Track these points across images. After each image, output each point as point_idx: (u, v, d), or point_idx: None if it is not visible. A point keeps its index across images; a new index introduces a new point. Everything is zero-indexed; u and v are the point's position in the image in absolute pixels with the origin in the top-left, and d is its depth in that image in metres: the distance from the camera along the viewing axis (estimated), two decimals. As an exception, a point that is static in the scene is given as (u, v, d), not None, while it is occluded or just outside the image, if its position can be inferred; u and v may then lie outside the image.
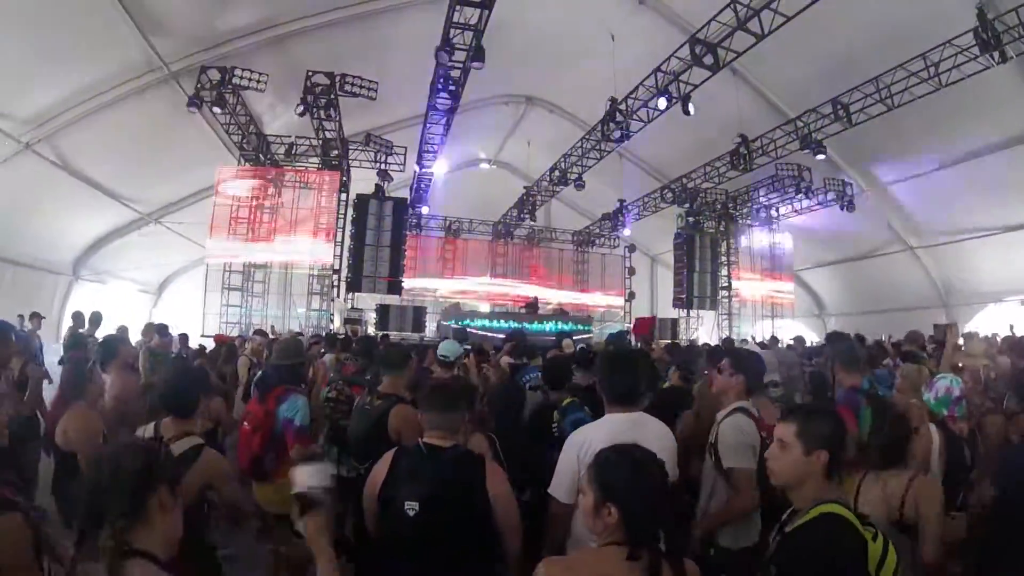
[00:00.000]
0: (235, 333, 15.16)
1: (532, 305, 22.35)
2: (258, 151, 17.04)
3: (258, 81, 14.26)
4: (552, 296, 25.76)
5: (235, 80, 14.11)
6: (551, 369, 5.02)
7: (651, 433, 2.95)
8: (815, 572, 2.05)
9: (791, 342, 13.43)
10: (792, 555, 2.14)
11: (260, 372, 6.41)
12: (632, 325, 22.35)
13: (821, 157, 16.38)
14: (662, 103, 14.02)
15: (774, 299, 23.81)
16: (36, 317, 10.09)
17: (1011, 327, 12.17)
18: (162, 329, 9.37)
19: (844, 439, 2.33)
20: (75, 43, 11.61)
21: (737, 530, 3.49)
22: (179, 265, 20.60)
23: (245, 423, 4.54)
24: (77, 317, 10.05)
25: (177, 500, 1.86)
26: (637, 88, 14.68)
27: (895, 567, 2.09)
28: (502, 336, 12.59)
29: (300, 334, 10.78)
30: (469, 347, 8.18)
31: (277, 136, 17.60)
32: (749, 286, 23.50)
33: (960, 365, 5.63)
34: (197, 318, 15.84)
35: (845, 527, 2.08)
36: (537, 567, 2.10)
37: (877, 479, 3.13)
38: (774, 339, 13.53)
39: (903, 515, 2.98)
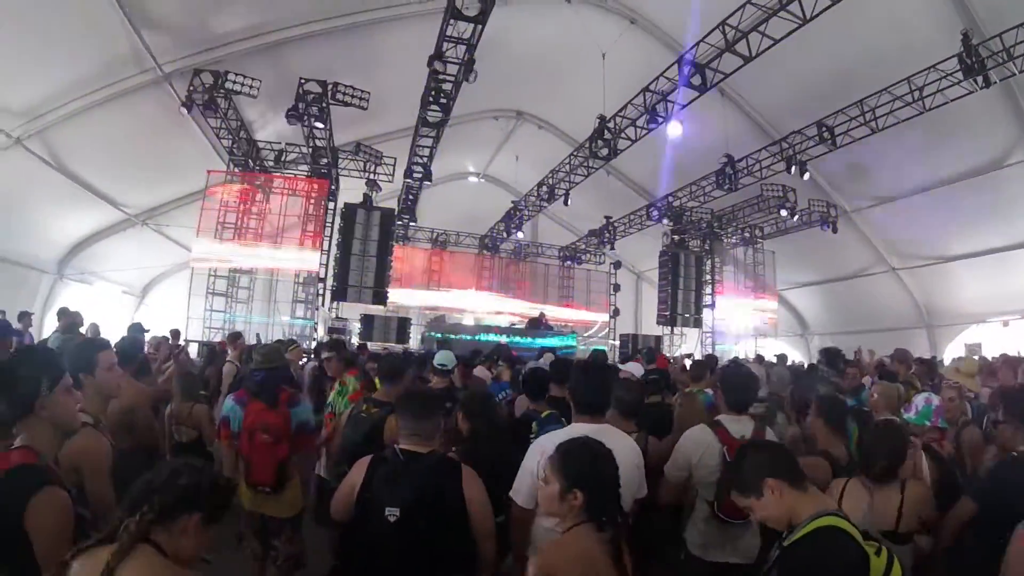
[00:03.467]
0: (219, 339, 15.12)
1: (536, 320, 22.42)
2: (248, 156, 17.00)
3: (251, 86, 14.24)
4: (537, 311, 25.84)
5: (228, 84, 14.07)
6: (530, 381, 5.09)
7: (616, 443, 3.00)
8: None
9: (774, 360, 13.55)
10: (790, 568, 2.18)
11: (241, 376, 6.39)
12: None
13: (806, 178, 16.54)
14: (649, 122, 14.18)
15: (758, 318, 23.96)
16: (26, 316, 10.03)
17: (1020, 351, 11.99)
18: (136, 327, 9.31)
19: (783, 459, 2.40)
20: (69, 38, 11.61)
21: (705, 541, 3.58)
22: (164, 268, 20.48)
23: (264, 434, 4.40)
24: (64, 314, 9.85)
25: (205, 534, 1.91)
26: (626, 106, 14.82)
27: None
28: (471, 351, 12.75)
29: (280, 341, 10.76)
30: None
31: (267, 142, 17.57)
32: (733, 304, 23.68)
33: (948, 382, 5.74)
34: (181, 322, 15.75)
35: (844, 539, 2.10)
36: (529, 559, 2.31)
37: (863, 488, 3.19)
38: (783, 356, 13.64)
39: (899, 524, 3.07)
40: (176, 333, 11.96)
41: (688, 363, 11.21)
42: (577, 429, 3.09)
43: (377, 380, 5.44)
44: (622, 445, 3.12)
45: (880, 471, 3.17)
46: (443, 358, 5.85)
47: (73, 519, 2.20)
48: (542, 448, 2.99)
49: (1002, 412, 3.83)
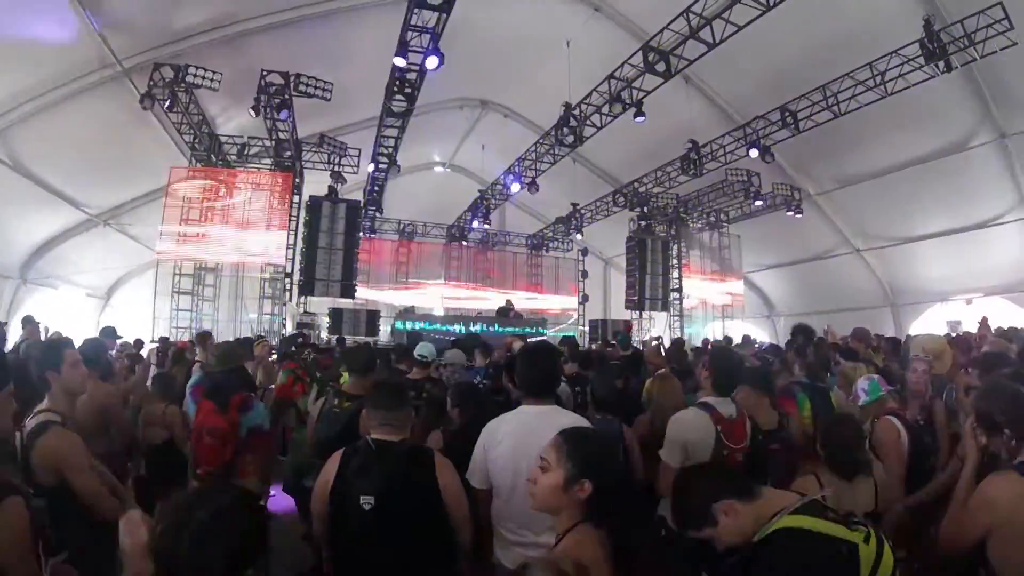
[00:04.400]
0: (186, 338, 14.93)
1: (504, 310, 22.42)
2: (210, 151, 16.74)
3: (212, 80, 14.04)
4: (506, 299, 25.84)
5: (189, 78, 13.88)
6: (512, 367, 5.14)
7: (558, 425, 3.03)
8: None
9: (738, 341, 13.71)
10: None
11: (198, 376, 6.34)
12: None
13: (770, 162, 16.71)
14: (616, 109, 14.24)
15: (724, 300, 24.29)
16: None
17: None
18: (109, 331, 9.19)
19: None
20: (25, 36, 11.34)
21: None
22: (128, 268, 20.15)
23: (209, 437, 4.46)
24: (29, 323, 9.63)
25: None
26: (591, 94, 14.85)
27: (893, 567, 1.97)
28: (452, 339, 12.75)
29: (247, 338, 10.73)
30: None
31: (230, 136, 17.34)
32: (700, 288, 23.95)
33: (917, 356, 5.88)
34: (147, 322, 15.52)
35: (810, 542, 1.93)
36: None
37: (812, 483, 3.13)
38: (747, 337, 13.84)
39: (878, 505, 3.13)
40: (140, 343, 11.77)
41: (656, 345, 11.27)
42: (523, 411, 3.14)
43: (346, 374, 5.43)
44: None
45: (845, 467, 3.22)
46: (424, 349, 5.88)
47: (27, 524, 2.15)
48: (491, 430, 3.08)
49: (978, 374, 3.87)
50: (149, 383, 6.56)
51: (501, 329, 19.82)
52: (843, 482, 3.15)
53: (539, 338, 14.51)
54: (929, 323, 18.23)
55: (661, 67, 12.58)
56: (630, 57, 13.46)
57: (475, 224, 24.20)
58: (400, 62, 11.76)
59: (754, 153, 16.12)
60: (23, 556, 2.07)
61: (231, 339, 11.72)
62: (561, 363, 5.23)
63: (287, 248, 17.25)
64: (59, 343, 3.65)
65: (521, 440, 2.90)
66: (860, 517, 2.09)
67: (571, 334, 19.07)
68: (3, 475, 2.22)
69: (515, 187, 19.40)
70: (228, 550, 1.60)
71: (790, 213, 19.71)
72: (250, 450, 4.57)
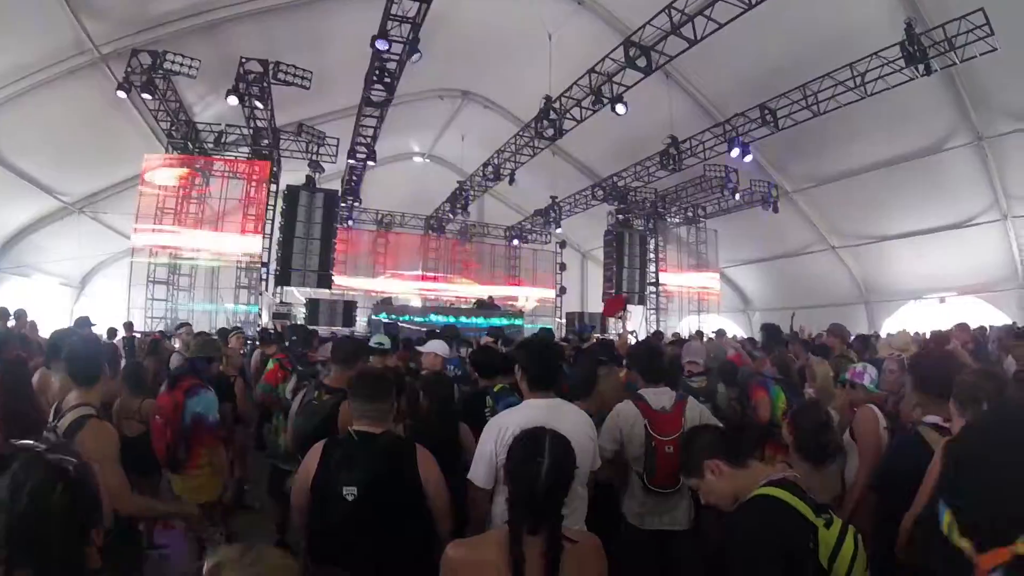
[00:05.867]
0: (160, 328, 14.77)
1: (484, 302, 22.45)
2: (187, 139, 16.55)
3: (190, 67, 13.87)
4: (484, 291, 25.85)
5: (166, 65, 13.71)
6: (481, 359, 5.15)
7: (567, 418, 3.04)
8: (749, 554, 2.02)
9: (712, 335, 13.82)
10: (728, 535, 2.18)
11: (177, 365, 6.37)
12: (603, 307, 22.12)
13: (748, 159, 16.82)
14: (594, 103, 14.28)
15: (701, 294, 24.52)
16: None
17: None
18: (83, 321, 9.10)
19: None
20: (2, 22, 11.14)
21: (643, 510, 3.78)
22: (103, 257, 19.87)
23: (157, 416, 4.55)
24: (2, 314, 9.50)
25: None
26: (571, 87, 14.86)
27: (852, 558, 2.00)
28: (425, 330, 12.79)
29: (224, 329, 10.73)
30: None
31: (207, 124, 17.13)
32: (676, 281, 24.19)
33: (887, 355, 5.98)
34: (122, 312, 15.33)
35: (779, 506, 2.05)
36: (446, 549, 2.24)
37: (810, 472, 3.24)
38: (721, 331, 14.04)
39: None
40: (113, 332, 11.64)
41: (630, 339, 11.35)
42: (531, 405, 3.13)
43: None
44: (575, 420, 3.16)
45: (811, 451, 3.30)
46: (379, 338, 6.10)
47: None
48: (499, 426, 3.01)
49: (910, 383, 3.93)
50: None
51: (479, 320, 19.87)
52: (810, 466, 3.24)
53: (540, 328, 14.54)
54: (903, 320, 18.41)
55: (642, 62, 12.63)
56: (611, 52, 13.50)
57: (453, 216, 24.23)
58: (383, 45, 11.69)
59: (735, 153, 16.18)
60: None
61: (207, 330, 11.66)
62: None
63: (264, 237, 17.09)
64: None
65: None
66: (828, 503, 2.22)
67: (548, 326, 19.15)
68: None
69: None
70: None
71: (767, 209, 19.84)
72: (194, 439, 4.52)
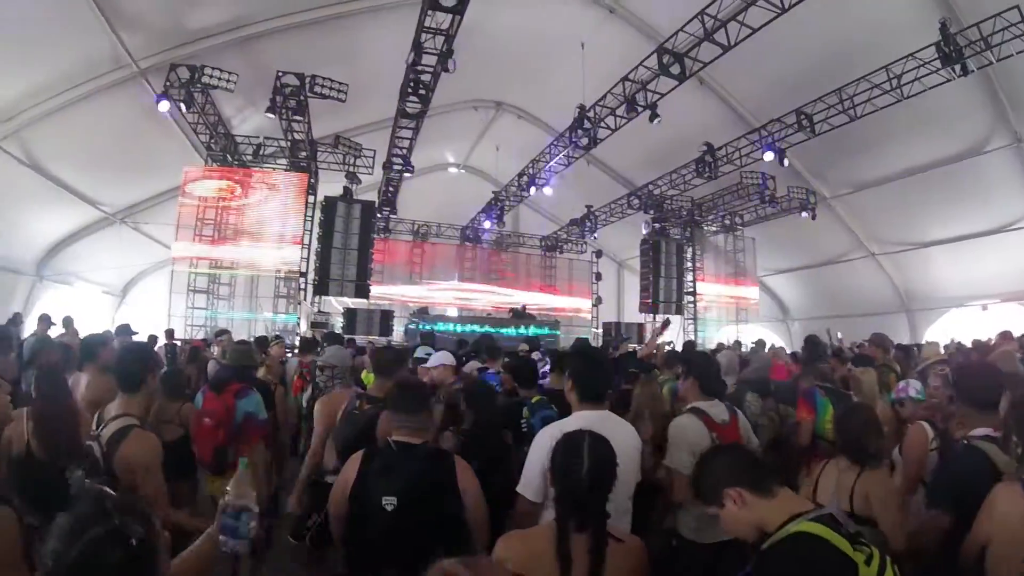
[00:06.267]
0: (200, 336, 15.02)
1: (519, 312, 22.46)
2: (226, 152, 16.86)
3: (228, 80, 14.09)
4: (520, 299, 25.87)
5: (204, 79, 13.92)
6: (518, 368, 5.12)
7: (617, 431, 3.03)
8: None
9: (752, 345, 13.66)
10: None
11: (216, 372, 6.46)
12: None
13: (785, 165, 16.61)
14: (628, 112, 14.23)
15: (738, 304, 24.20)
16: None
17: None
18: (124, 329, 9.30)
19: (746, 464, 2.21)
20: (43, 36, 11.40)
21: (700, 523, 3.61)
22: (144, 266, 20.29)
23: (206, 419, 4.62)
24: (43, 320, 9.80)
25: None
26: (605, 96, 14.84)
27: None
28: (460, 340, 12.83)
29: (264, 337, 10.92)
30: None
31: (245, 137, 17.44)
32: (714, 291, 23.87)
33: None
34: (162, 321, 15.62)
35: (823, 548, 1.84)
36: (498, 541, 2.31)
37: (835, 469, 3.25)
38: (761, 342, 13.85)
39: (853, 508, 3.03)
40: (154, 339, 11.88)
41: (666, 350, 11.24)
42: (582, 416, 3.09)
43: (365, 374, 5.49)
44: (623, 432, 3.15)
45: (855, 455, 3.21)
46: (424, 350, 6.10)
47: (16, 536, 2.03)
48: (551, 437, 2.86)
49: (954, 392, 3.85)
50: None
51: (515, 330, 19.87)
52: (855, 470, 3.17)
53: (575, 339, 14.51)
54: (945, 329, 17.94)
55: (676, 69, 12.55)
56: (645, 59, 13.45)
57: (487, 225, 24.26)
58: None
59: (769, 156, 15.99)
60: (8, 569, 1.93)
61: (246, 338, 11.82)
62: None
63: (302, 247, 17.33)
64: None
65: None
66: (867, 534, 2.06)
67: (584, 336, 19.11)
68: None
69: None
70: None
71: (805, 216, 19.55)
72: (245, 436, 4.63)
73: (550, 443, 2.84)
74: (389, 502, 2.80)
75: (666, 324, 9.46)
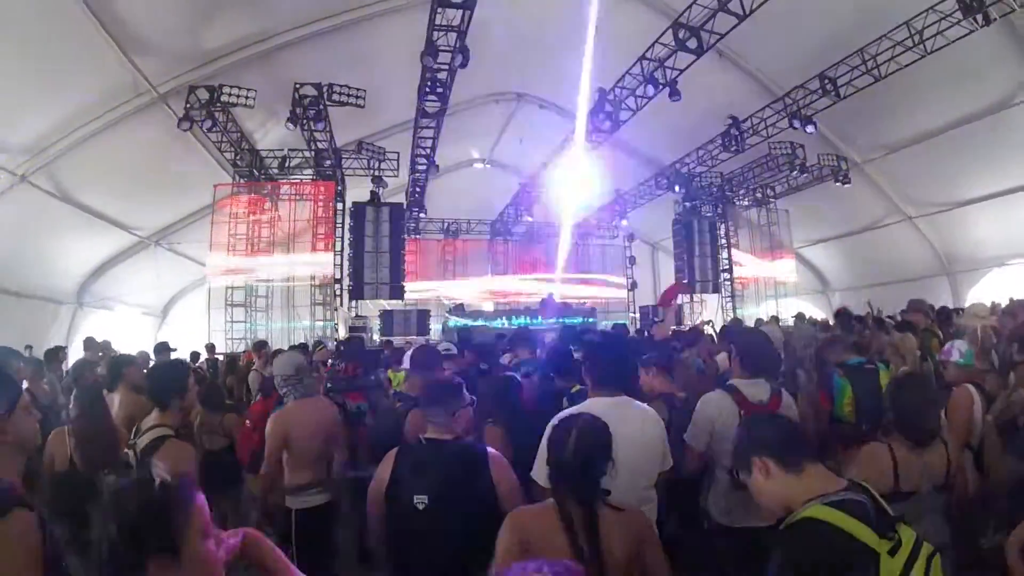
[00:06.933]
0: (241, 349, 15.25)
1: (546, 301, 22.42)
2: (252, 166, 17.08)
3: (246, 97, 14.23)
4: (552, 289, 25.81)
5: (224, 98, 14.08)
6: (555, 357, 5.08)
7: (634, 416, 3.02)
8: None
9: (790, 320, 13.46)
10: (772, 563, 1.90)
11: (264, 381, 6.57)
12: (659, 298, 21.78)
13: (811, 131, 16.26)
14: (648, 90, 14.08)
15: (776, 278, 23.83)
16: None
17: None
18: (161, 347, 9.50)
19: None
20: (60, 71, 11.56)
21: (729, 504, 3.55)
22: (182, 286, 20.64)
23: (247, 422, 4.90)
24: (90, 345, 10.00)
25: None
26: (624, 77, 14.69)
27: None
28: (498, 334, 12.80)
29: (304, 345, 11.10)
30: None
31: (270, 150, 17.64)
32: (750, 266, 23.58)
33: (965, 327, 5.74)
34: (203, 337, 15.88)
35: (831, 536, 1.77)
36: (509, 513, 2.43)
37: (888, 453, 2.94)
38: (801, 315, 13.70)
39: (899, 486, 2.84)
40: (196, 356, 12.13)
41: (708, 329, 11.06)
42: (594, 404, 3.05)
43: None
44: (642, 419, 3.12)
45: (914, 432, 2.96)
46: (445, 345, 6.21)
47: (39, 542, 1.92)
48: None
49: (1017, 350, 3.77)
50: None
51: (552, 320, 19.82)
52: (914, 449, 2.93)
53: (613, 325, 14.47)
54: (988, 290, 17.24)
55: (693, 44, 12.37)
56: (660, 36, 13.29)
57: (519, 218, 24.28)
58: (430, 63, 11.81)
59: (796, 125, 15.69)
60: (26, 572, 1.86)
61: (285, 347, 11.97)
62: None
63: (335, 254, 17.51)
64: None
65: None
66: (901, 516, 1.89)
67: (622, 322, 19.00)
68: (15, 488, 2.03)
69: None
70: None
71: (838, 184, 19.14)
72: None
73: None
74: (420, 500, 2.80)
75: (675, 294, 9.38)
